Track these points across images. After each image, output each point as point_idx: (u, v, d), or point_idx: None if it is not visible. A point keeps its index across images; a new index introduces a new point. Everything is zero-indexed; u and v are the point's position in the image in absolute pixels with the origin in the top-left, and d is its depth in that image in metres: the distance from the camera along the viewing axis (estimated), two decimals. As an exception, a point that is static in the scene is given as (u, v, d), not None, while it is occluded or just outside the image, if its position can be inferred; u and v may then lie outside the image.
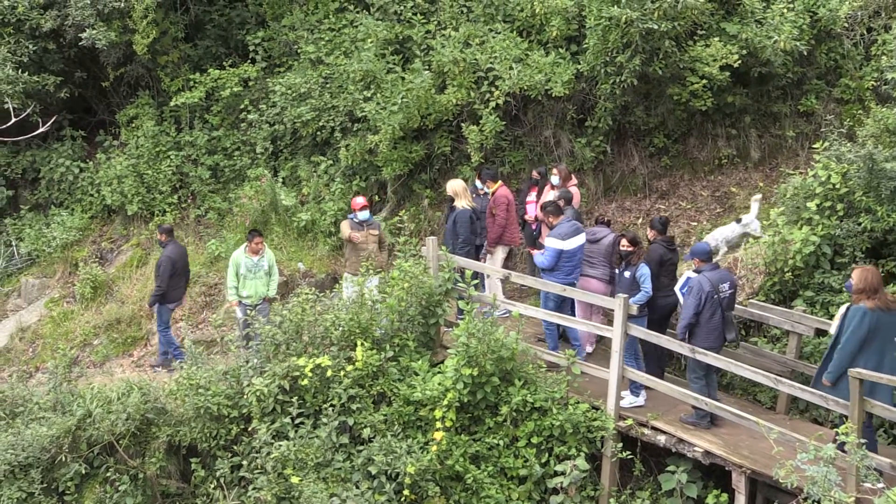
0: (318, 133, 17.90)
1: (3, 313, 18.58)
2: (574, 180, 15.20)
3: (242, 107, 18.83)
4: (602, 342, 13.75)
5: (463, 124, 16.58)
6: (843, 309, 11.38)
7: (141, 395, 12.40)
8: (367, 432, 11.66)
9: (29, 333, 17.58)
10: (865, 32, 16.59)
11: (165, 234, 15.42)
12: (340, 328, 12.37)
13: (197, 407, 12.20)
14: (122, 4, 18.07)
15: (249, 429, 12.15)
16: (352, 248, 14.61)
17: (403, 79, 16.85)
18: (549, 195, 14.75)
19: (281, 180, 18.39)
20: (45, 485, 12.24)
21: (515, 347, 12.06)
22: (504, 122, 16.58)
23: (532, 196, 15.55)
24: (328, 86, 17.89)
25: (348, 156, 17.33)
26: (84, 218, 19.38)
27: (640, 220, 16.37)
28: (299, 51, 18.62)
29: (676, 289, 12.47)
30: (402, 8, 18.02)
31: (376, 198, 18.00)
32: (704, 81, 15.44)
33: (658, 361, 12.80)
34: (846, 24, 16.24)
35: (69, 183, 19.56)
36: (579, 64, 16.18)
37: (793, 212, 13.40)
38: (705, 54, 15.32)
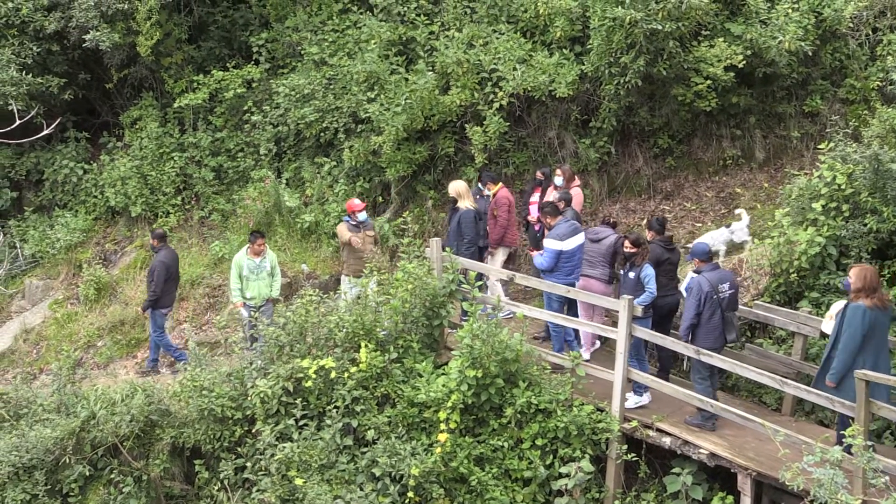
0: (322, 134, 17.88)
1: (7, 315, 18.57)
2: (577, 181, 15.18)
3: (246, 108, 18.82)
4: (606, 343, 13.71)
5: (466, 125, 16.56)
6: (834, 307, 11.51)
7: (145, 397, 12.43)
8: (371, 434, 11.64)
9: (33, 335, 17.56)
10: (871, 32, 16.56)
11: (158, 239, 15.43)
12: (344, 330, 12.35)
13: (201, 409, 12.19)
14: (126, 6, 18.07)
15: (253, 430, 12.15)
16: (350, 250, 14.60)
17: (407, 80, 16.83)
18: (552, 196, 14.73)
19: (284, 182, 18.37)
20: (49, 486, 12.25)
21: (520, 349, 12.01)
22: (508, 123, 16.55)
23: (536, 197, 15.51)
24: (332, 87, 17.87)
25: (352, 157, 17.31)
26: (88, 219, 19.37)
27: (645, 221, 16.26)
28: (303, 52, 18.60)
29: (682, 288, 12.46)
30: (405, 9, 18.00)
31: (380, 199, 17.97)
32: (709, 82, 15.42)
33: (662, 362, 12.80)
34: (851, 24, 16.19)
35: (73, 184, 19.56)
36: (583, 65, 16.17)
37: (798, 213, 13.36)
38: (710, 55, 15.28)
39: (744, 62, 15.25)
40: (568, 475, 11.52)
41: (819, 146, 14.33)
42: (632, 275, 12.21)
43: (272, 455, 11.53)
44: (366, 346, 12.16)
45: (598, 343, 13.90)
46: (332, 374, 11.89)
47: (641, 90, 15.74)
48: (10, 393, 13.27)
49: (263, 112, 18.59)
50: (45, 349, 17.20)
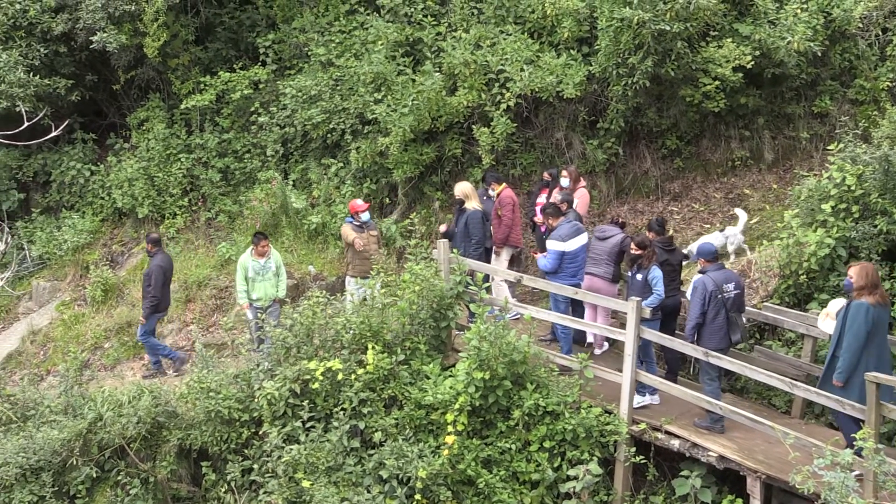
0: (329, 135, 17.86)
1: (15, 316, 18.61)
2: (583, 182, 15.13)
3: (253, 109, 18.82)
4: (615, 345, 13.67)
5: (474, 126, 16.52)
6: (832, 306, 11.50)
7: (152, 399, 12.44)
8: (378, 436, 11.63)
9: (40, 336, 17.59)
10: (881, 33, 16.51)
11: (153, 243, 15.44)
12: (351, 331, 12.34)
13: (208, 410, 12.20)
14: (133, 7, 18.10)
15: (260, 432, 12.15)
16: (355, 251, 14.58)
17: (414, 81, 16.80)
18: (554, 197, 14.71)
19: (291, 183, 18.36)
20: (57, 488, 12.28)
21: (527, 351, 11.98)
22: (515, 124, 16.51)
23: (543, 198, 15.46)
24: (338, 88, 17.85)
25: (359, 158, 17.28)
26: (95, 221, 19.40)
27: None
28: (310, 53, 18.59)
29: (688, 293, 12.41)
30: (412, 10, 17.96)
31: (387, 200, 17.95)
32: (717, 83, 15.35)
33: (670, 364, 12.77)
34: (861, 25, 16.11)
35: (80, 186, 19.60)
36: (591, 65, 16.12)
37: (807, 214, 13.29)
38: (718, 55, 15.22)
39: (752, 63, 15.18)
40: (576, 478, 11.51)
41: (828, 147, 14.26)
42: (639, 277, 12.19)
43: (279, 457, 11.53)
44: (373, 347, 12.14)
45: (606, 345, 13.87)
46: (340, 376, 11.87)
47: (649, 91, 15.68)
48: (17, 394, 13.32)
49: (270, 113, 18.58)
50: (52, 350, 17.22)
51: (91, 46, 18.31)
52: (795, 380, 11.10)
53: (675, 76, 15.20)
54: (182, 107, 18.95)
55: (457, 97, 16.50)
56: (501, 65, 16.43)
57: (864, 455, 9.29)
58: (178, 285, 17.38)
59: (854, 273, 10.56)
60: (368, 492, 11.26)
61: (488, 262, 14.41)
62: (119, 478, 12.28)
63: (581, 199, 14.67)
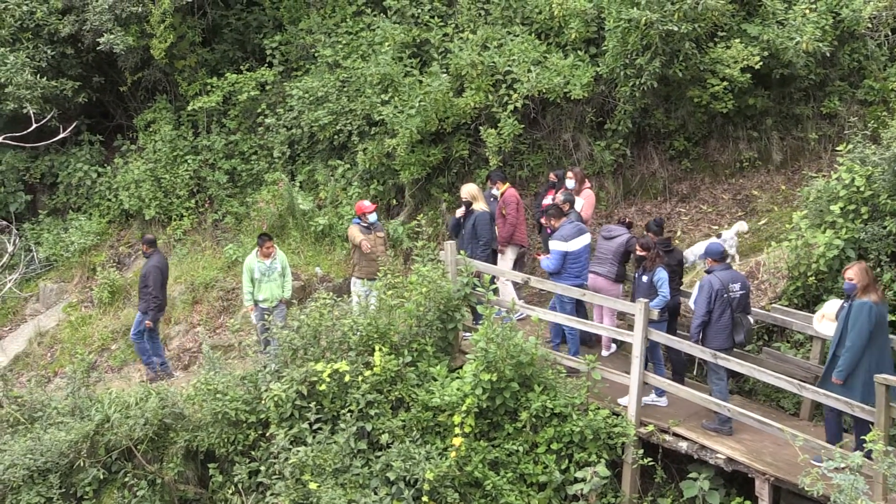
0: (336, 137, 17.85)
1: (22, 318, 18.62)
2: (588, 183, 15.09)
3: (259, 111, 18.80)
4: (622, 347, 13.64)
5: (481, 127, 16.49)
6: (829, 307, 11.55)
7: (159, 401, 12.42)
8: (385, 438, 11.60)
9: (47, 338, 17.60)
10: (890, 33, 16.43)
11: (149, 244, 15.46)
12: (358, 333, 12.32)
13: (215, 412, 12.17)
14: (140, 9, 18.10)
15: (267, 434, 12.13)
16: (361, 252, 14.55)
17: (421, 82, 16.78)
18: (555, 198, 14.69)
19: (298, 184, 18.35)
20: (64, 490, 12.26)
21: (535, 352, 11.96)
22: (522, 126, 16.48)
23: (549, 199, 15.40)
24: (345, 89, 17.84)
25: (366, 160, 17.27)
26: (102, 222, 19.41)
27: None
28: (316, 54, 18.58)
29: (690, 302, 12.46)
30: (419, 11, 17.94)
31: (394, 202, 17.93)
32: (725, 83, 15.31)
33: (675, 366, 12.76)
34: (870, 25, 16.04)
35: (87, 187, 19.62)
36: (598, 66, 16.08)
37: (816, 215, 13.23)
38: (726, 56, 15.18)
39: (760, 63, 15.13)
40: (583, 480, 11.49)
41: (837, 148, 14.17)
42: (645, 279, 12.21)
43: (286, 459, 11.50)
44: (380, 349, 12.13)
45: (613, 346, 13.85)
46: (347, 378, 11.85)
47: (657, 92, 15.65)
48: (24, 396, 13.31)
49: (277, 115, 18.57)
50: (59, 352, 17.23)
51: (98, 48, 18.31)
52: (804, 382, 11.05)
53: (682, 77, 15.16)
54: (189, 108, 18.95)
55: (464, 98, 16.47)
56: (508, 66, 16.40)
57: (874, 457, 9.25)
58: (185, 287, 17.41)
59: (854, 274, 10.61)
60: (376, 494, 11.25)
61: (496, 263, 14.37)
62: (126, 479, 12.27)
63: (587, 199, 14.64)
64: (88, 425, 12.25)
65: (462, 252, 13.18)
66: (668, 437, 11.71)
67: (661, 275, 12.09)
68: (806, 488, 9.47)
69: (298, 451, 11.42)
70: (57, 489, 12.12)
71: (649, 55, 14.90)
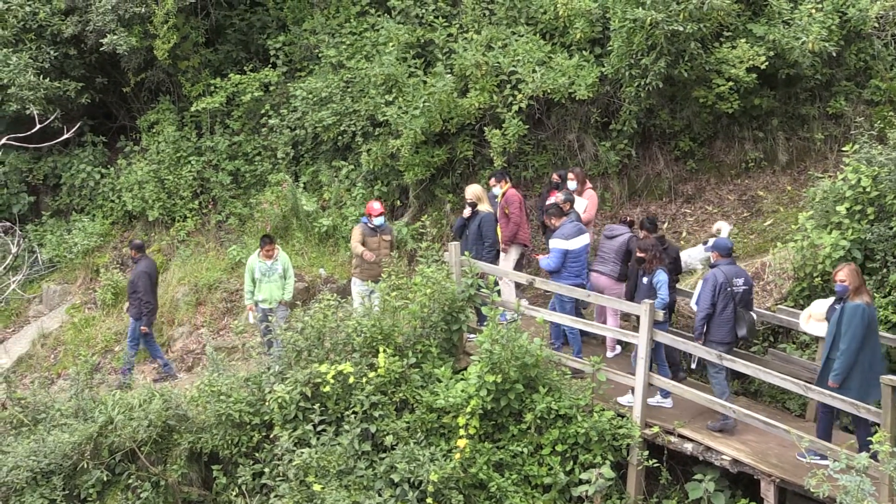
0: (340, 138, 17.83)
1: (25, 319, 18.62)
2: (590, 184, 15.04)
3: (263, 111, 18.80)
4: (627, 347, 13.61)
5: (485, 128, 16.44)
6: (816, 307, 11.63)
7: (162, 402, 12.40)
8: (389, 440, 11.59)
9: (50, 340, 17.59)
10: (897, 33, 16.40)
11: (137, 250, 15.61)
12: (363, 334, 12.30)
13: (218, 414, 12.15)
14: (143, 10, 18.11)
15: (271, 436, 12.13)
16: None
17: (425, 82, 16.74)
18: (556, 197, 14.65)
19: (302, 185, 18.33)
20: (67, 492, 12.21)
21: (540, 354, 11.94)
22: (527, 126, 16.42)
23: (552, 199, 15.38)
24: (349, 90, 17.82)
25: (370, 160, 17.24)
26: (105, 224, 19.41)
27: (666, 225, 16.22)
28: (320, 55, 18.56)
29: (692, 303, 12.48)
30: (423, 11, 17.90)
31: (398, 203, 17.90)
32: (731, 84, 15.25)
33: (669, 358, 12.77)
34: (877, 25, 15.98)
35: (90, 189, 19.63)
36: (603, 67, 16.03)
37: (822, 216, 13.20)
38: (732, 56, 15.12)
39: (766, 63, 15.06)
40: (588, 481, 11.47)
41: (843, 148, 14.16)
42: (645, 280, 12.26)
43: (290, 460, 11.50)
44: (384, 350, 12.10)
45: (618, 348, 13.83)
46: (351, 380, 11.84)
47: (662, 92, 15.60)
48: (28, 398, 13.26)
49: (281, 115, 18.56)
50: (62, 354, 17.22)
51: (101, 49, 18.34)
52: (809, 383, 11.01)
53: (688, 77, 15.11)
54: (192, 109, 18.95)
55: (468, 99, 16.43)
56: (513, 66, 16.35)
57: (881, 459, 9.23)
58: (188, 288, 17.40)
59: (846, 276, 10.67)
60: (380, 495, 11.24)
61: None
62: (130, 481, 12.24)
63: (590, 200, 14.59)
64: (92, 427, 12.22)
65: (466, 253, 13.15)
66: (673, 439, 11.68)
67: (661, 277, 12.11)
68: (812, 490, 9.46)
69: (302, 452, 11.41)
70: (60, 491, 12.07)
71: (654, 55, 14.86)
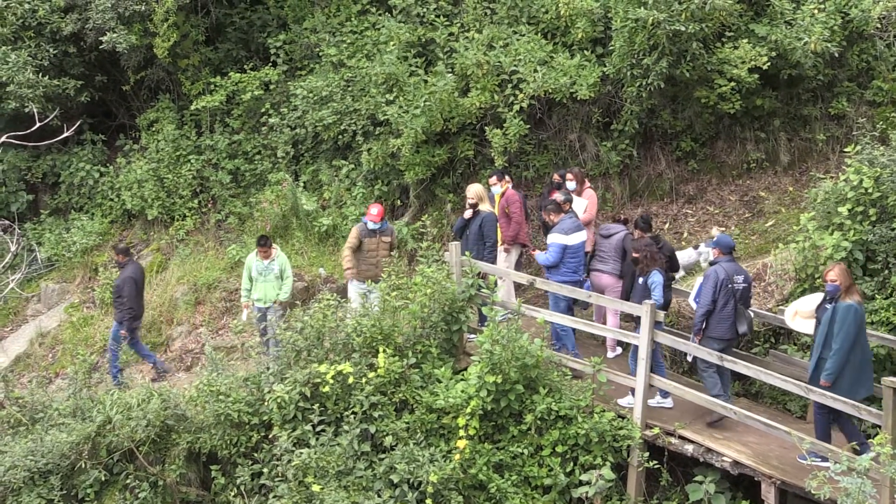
0: (340, 137, 17.78)
1: (23, 318, 18.57)
2: (589, 183, 15.01)
3: (263, 110, 18.74)
4: (628, 348, 13.57)
5: (486, 128, 16.40)
6: (802, 304, 11.68)
7: (161, 402, 12.37)
8: (389, 440, 11.56)
9: (49, 339, 17.54)
10: (899, 33, 16.39)
11: (123, 254, 15.54)
12: (362, 335, 12.26)
13: (217, 414, 12.11)
14: (143, 8, 18.06)
15: (270, 436, 12.09)
16: (359, 253, 14.46)
17: (426, 82, 16.70)
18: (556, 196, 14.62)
19: (302, 185, 18.28)
20: (65, 492, 12.18)
21: (540, 355, 11.91)
22: (528, 126, 16.38)
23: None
24: (350, 89, 17.77)
25: (370, 160, 17.20)
26: (104, 222, 19.36)
27: (667, 225, 16.19)
28: (321, 54, 18.51)
29: (690, 300, 12.56)
30: (424, 10, 17.87)
31: (398, 202, 17.86)
32: (733, 84, 15.24)
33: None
34: (879, 25, 16.01)
35: (89, 187, 19.57)
36: (605, 66, 16.01)
37: (824, 217, 13.18)
38: (734, 56, 15.10)
39: (768, 64, 15.05)
40: (588, 483, 11.45)
41: (845, 149, 14.14)
42: (640, 281, 12.29)
43: (289, 461, 11.46)
44: (384, 351, 12.07)
45: (619, 349, 13.80)
46: (350, 380, 11.80)
47: (664, 92, 15.58)
48: (25, 397, 13.25)
49: (281, 114, 18.51)
50: (60, 353, 17.18)
51: (101, 47, 18.27)
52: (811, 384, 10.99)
53: (690, 77, 15.10)
54: (192, 108, 18.89)
55: (469, 98, 16.39)
56: (514, 65, 16.31)
57: (882, 461, 9.20)
58: (187, 287, 17.36)
59: (837, 275, 10.76)
60: (379, 496, 11.21)
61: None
62: (128, 481, 12.20)
63: (590, 200, 14.54)
64: (90, 426, 12.19)
65: (467, 253, 13.11)
66: (673, 440, 11.67)
67: (656, 278, 12.11)
68: (813, 491, 9.46)
69: (301, 453, 11.38)
70: (58, 491, 12.04)
71: (656, 55, 14.83)
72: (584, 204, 14.29)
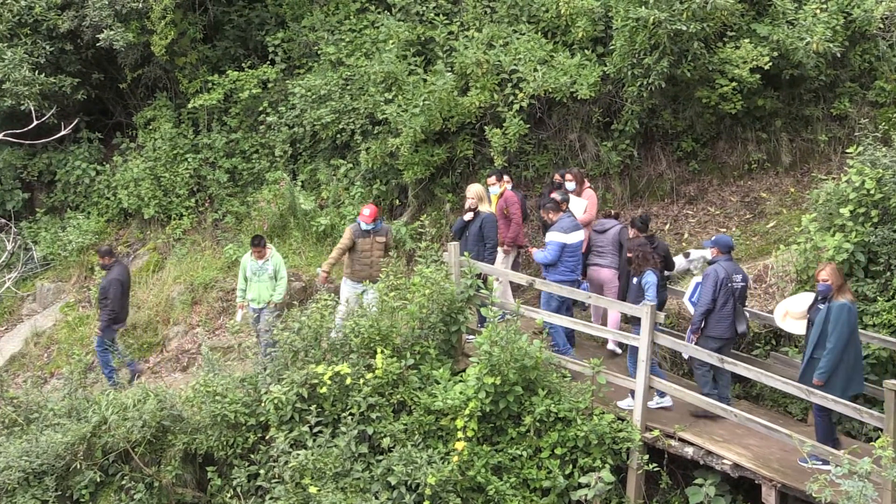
0: (338, 136, 17.73)
1: (19, 318, 18.52)
2: (588, 184, 14.95)
3: (261, 109, 18.68)
4: (626, 349, 13.55)
5: (486, 127, 16.36)
6: (792, 304, 11.65)
7: (157, 402, 12.33)
8: (386, 442, 11.52)
9: (44, 338, 17.51)
10: (902, 34, 16.36)
11: (108, 256, 15.47)
12: (360, 335, 12.21)
13: (214, 414, 12.07)
14: (140, 5, 18.02)
15: (267, 437, 12.05)
16: (354, 253, 14.38)
17: (425, 80, 16.66)
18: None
19: (300, 184, 18.23)
20: (60, 492, 12.13)
21: (539, 356, 11.85)
22: (528, 125, 16.33)
23: (552, 199, 15.33)
24: (348, 88, 17.72)
25: (369, 159, 17.14)
26: (100, 221, 19.31)
27: (668, 226, 16.15)
28: (319, 52, 18.46)
29: (685, 299, 12.60)
30: (424, 8, 17.82)
31: (397, 202, 17.81)
32: (734, 84, 15.22)
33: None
34: (882, 26, 16.02)
35: (85, 186, 19.52)
36: (605, 66, 15.97)
37: (825, 218, 13.11)
38: (735, 56, 15.07)
39: (770, 64, 15.02)
40: (588, 485, 11.39)
41: (847, 150, 14.05)
42: (634, 280, 12.31)
43: (286, 462, 11.42)
44: (382, 352, 12.02)
45: (619, 350, 13.74)
46: (348, 381, 11.75)
47: (665, 92, 15.55)
48: (20, 397, 13.22)
49: (279, 113, 18.45)
50: (56, 353, 17.15)
51: (97, 44, 18.24)
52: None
53: (691, 77, 15.08)
54: (189, 106, 18.86)
55: (469, 97, 16.34)
56: (514, 65, 16.26)
57: (884, 464, 9.19)
58: (184, 287, 17.32)
59: (829, 275, 10.85)
60: (377, 498, 11.18)
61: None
62: (123, 482, 12.15)
63: (590, 200, 14.49)
64: (85, 427, 12.15)
65: (466, 253, 13.04)
66: (673, 443, 11.62)
67: (650, 278, 12.11)
68: (814, 495, 9.41)
69: (298, 454, 11.33)
70: (53, 492, 11.98)
71: (657, 55, 14.79)
72: (584, 204, 14.24)
